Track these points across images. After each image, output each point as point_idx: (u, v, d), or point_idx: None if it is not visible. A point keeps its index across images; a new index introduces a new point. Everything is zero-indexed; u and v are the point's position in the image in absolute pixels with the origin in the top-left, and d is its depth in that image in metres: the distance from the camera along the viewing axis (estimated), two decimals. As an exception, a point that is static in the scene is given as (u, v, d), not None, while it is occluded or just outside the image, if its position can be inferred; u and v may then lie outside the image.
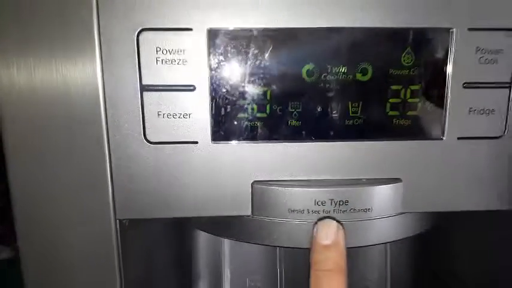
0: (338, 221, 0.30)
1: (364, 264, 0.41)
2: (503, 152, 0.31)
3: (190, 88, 0.29)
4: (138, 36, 0.28)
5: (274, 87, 0.29)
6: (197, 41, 0.28)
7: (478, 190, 0.32)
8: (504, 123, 0.31)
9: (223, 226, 0.34)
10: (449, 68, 0.30)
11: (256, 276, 0.44)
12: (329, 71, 0.29)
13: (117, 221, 0.31)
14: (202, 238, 0.43)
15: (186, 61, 0.28)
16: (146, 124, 0.29)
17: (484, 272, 0.38)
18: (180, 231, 0.42)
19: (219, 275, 0.43)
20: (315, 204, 0.30)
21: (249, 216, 0.31)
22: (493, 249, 0.36)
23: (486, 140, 0.31)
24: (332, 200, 0.30)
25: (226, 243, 0.43)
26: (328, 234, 0.29)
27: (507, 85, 0.30)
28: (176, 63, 0.28)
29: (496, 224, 0.35)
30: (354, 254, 0.40)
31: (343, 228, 0.30)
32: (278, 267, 0.41)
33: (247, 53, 0.29)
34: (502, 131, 0.31)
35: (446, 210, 0.32)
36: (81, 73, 0.28)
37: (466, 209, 0.32)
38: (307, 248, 0.31)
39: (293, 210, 0.30)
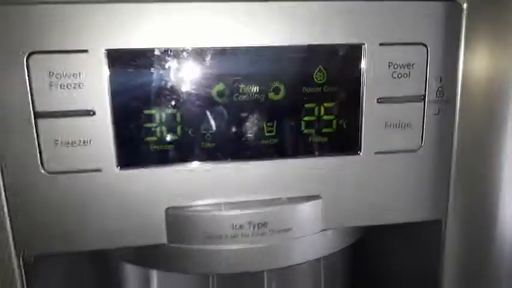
0: None
1: (298, 276, 0.41)
2: (421, 164, 0.31)
3: (89, 113, 0.27)
4: (27, 60, 0.25)
5: (184, 108, 0.28)
6: (94, 63, 0.26)
7: (398, 203, 0.32)
8: (420, 136, 0.31)
9: (139, 255, 0.32)
10: (362, 84, 0.29)
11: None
12: (240, 91, 0.28)
13: (20, 258, 0.28)
14: (129, 268, 0.41)
15: (82, 84, 0.26)
16: (43, 153, 0.27)
17: (412, 278, 0.38)
18: (100, 262, 0.39)
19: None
20: (232, 229, 0.29)
21: (164, 244, 0.29)
22: (415, 257, 0.37)
23: (403, 154, 0.31)
24: (250, 222, 0.29)
25: (155, 272, 0.41)
26: None
27: (421, 98, 0.30)
28: (72, 87, 0.26)
29: (417, 234, 0.35)
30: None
31: None
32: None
33: (151, 74, 0.27)
34: (418, 144, 0.31)
35: (367, 225, 0.32)
36: (-32, 100, 0.26)
37: (386, 222, 0.32)
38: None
39: (210, 237, 0.29)
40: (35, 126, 0.26)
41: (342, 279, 0.41)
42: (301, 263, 0.32)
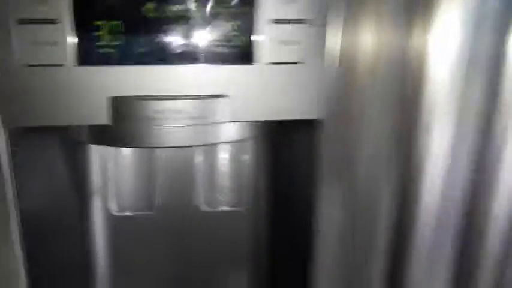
0: None
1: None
2: (305, 74, 0.41)
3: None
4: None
5: (123, 21, 0.39)
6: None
7: (290, 102, 0.42)
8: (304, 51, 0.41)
9: (91, 134, 0.44)
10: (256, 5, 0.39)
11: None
12: (166, 9, 0.39)
13: (7, 130, 0.40)
14: (91, 153, 0.53)
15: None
16: (23, 51, 0.38)
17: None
18: (65, 146, 0.51)
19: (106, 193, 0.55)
20: (155, 113, 0.40)
21: (109, 125, 0.40)
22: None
23: (290, 65, 0.41)
24: (170, 109, 0.40)
25: (112, 158, 0.54)
26: None
27: (304, 21, 0.40)
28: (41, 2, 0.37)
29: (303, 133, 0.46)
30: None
31: None
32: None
33: (100, -5, 0.38)
34: (304, 59, 0.41)
35: (262, 119, 0.42)
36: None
37: (277, 118, 0.42)
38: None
39: (140, 118, 0.40)
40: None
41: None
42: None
